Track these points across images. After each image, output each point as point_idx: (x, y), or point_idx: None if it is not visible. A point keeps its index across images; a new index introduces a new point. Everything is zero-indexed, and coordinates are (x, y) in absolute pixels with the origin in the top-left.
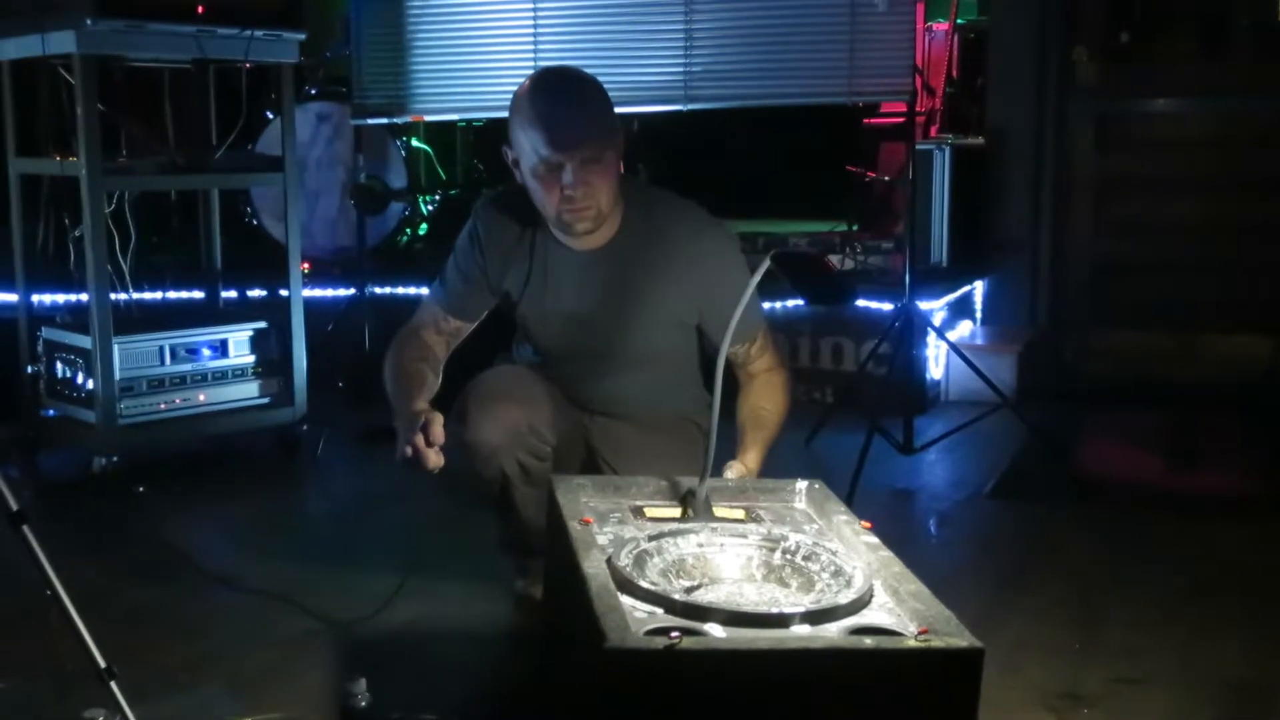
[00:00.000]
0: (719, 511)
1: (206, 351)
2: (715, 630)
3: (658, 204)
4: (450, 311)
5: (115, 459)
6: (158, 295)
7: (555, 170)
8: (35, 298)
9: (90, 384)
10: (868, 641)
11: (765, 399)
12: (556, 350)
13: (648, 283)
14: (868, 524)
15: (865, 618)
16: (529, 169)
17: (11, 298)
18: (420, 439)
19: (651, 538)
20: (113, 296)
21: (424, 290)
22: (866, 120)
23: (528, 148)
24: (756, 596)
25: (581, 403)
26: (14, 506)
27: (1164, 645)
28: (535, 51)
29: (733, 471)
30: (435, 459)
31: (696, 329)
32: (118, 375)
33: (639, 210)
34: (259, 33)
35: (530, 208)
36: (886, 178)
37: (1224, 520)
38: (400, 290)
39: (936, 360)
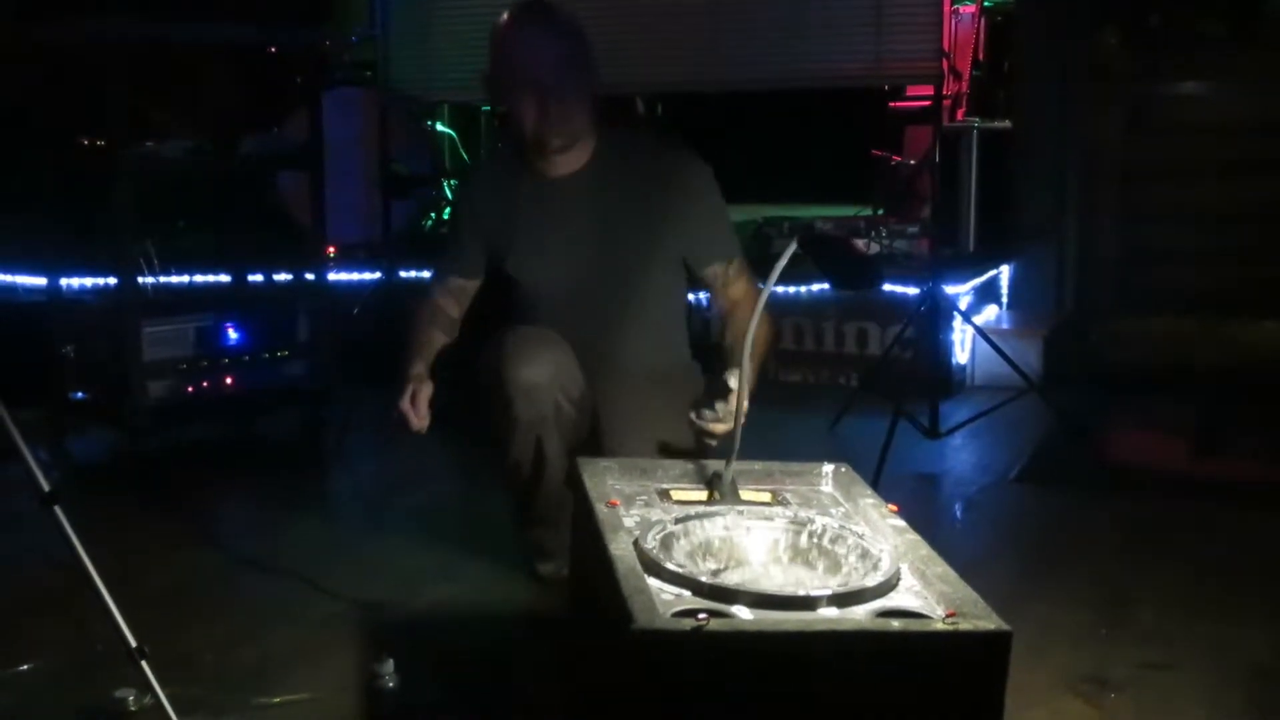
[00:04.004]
0: (745, 494)
1: (233, 334)
2: (742, 612)
3: (632, 134)
4: (454, 271)
5: (143, 442)
6: (185, 278)
7: (526, 90)
8: (64, 281)
9: (119, 367)
10: (895, 624)
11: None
12: (553, 293)
13: (628, 205)
14: (894, 507)
15: (892, 600)
16: (505, 90)
17: (41, 281)
18: (407, 404)
19: (678, 520)
20: (140, 279)
21: None
22: (892, 104)
23: (502, 70)
24: (783, 578)
25: (584, 360)
26: (45, 488)
27: (1191, 631)
28: None
29: (733, 379)
30: (418, 422)
31: (684, 267)
32: (145, 358)
33: (614, 137)
34: (286, 19)
35: (513, 160)
36: (912, 161)
37: (1251, 507)
38: (425, 274)
39: (962, 345)
